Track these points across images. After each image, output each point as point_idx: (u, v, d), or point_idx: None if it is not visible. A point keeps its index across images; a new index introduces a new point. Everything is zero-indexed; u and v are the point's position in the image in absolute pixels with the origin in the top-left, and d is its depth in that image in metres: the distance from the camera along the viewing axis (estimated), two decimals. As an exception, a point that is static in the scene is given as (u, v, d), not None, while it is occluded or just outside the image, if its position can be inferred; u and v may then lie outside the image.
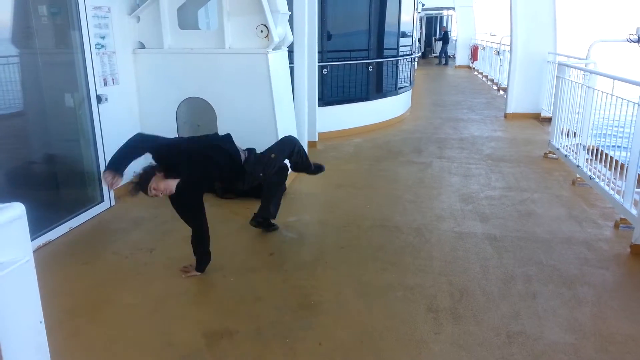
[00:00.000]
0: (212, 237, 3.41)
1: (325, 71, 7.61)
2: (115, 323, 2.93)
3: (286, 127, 5.44)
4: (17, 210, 1.25)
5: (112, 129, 4.73)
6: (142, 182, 3.13)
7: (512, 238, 4.00)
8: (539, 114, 8.97)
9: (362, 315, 2.99)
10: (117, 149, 3.23)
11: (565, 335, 2.76)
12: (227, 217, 4.51)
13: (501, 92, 12.68)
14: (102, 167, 4.62)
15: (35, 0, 4.24)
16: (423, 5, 20.58)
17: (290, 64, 5.81)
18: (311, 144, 6.60)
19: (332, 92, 7.94)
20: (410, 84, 9.91)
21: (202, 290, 3.30)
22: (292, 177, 5.56)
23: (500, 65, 13.35)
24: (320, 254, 3.83)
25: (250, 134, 5.14)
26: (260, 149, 5.23)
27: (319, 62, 6.94)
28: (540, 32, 8.77)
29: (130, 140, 3.31)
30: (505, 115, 9.31)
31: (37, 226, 3.76)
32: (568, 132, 5.95)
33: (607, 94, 4.78)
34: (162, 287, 3.34)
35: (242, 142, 4.97)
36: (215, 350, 2.66)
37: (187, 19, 5.27)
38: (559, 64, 6.41)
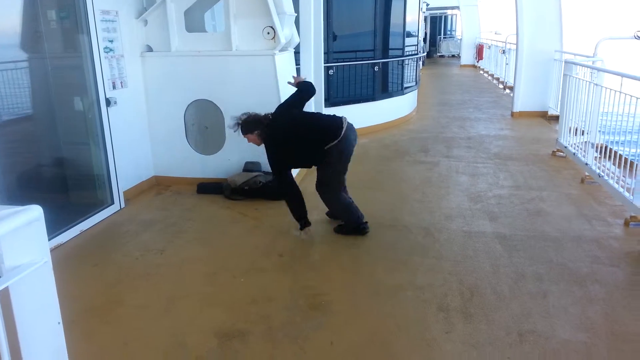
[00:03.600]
0: (223, 238, 3.42)
1: (331, 72, 7.62)
2: (128, 324, 2.95)
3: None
4: (35, 213, 1.27)
5: (121, 131, 4.76)
6: (245, 127, 3.95)
7: (521, 237, 3.99)
8: (546, 112, 8.94)
9: (372, 315, 2.99)
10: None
11: (578, 334, 2.75)
12: (235, 219, 4.53)
13: (507, 90, 12.64)
14: (112, 170, 4.66)
15: (44, 4, 4.27)
16: (427, 5, 20.54)
17: (296, 65, 5.82)
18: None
19: (338, 93, 7.95)
20: (416, 84, 9.90)
21: (213, 291, 3.32)
22: (301, 177, 5.58)
23: (506, 64, 13.31)
24: (330, 255, 3.84)
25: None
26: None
27: (325, 63, 6.94)
28: (546, 30, 8.74)
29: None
30: (512, 114, 9.28)
31: (49, 229, 3.76)
32: (576, 130, 5.93)
33: (615, 91, 4.75)
34: (173, 288, 3.36)
35: (249, 143, 5.00)
36: (227, 351, 2.67)
37: (194, 22, 5.30)
38: (566, 62, 6.38)
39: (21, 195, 4.00)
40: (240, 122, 3.99)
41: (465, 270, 3.47)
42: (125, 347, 2.73)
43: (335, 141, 3.79)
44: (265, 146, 3.94)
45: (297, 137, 3.88)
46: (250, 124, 3.94)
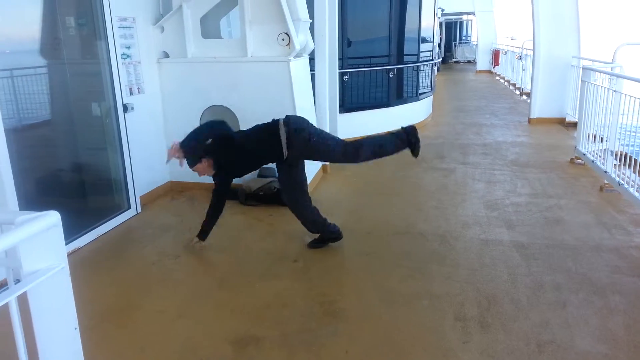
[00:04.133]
0: (237, 244, 3.42)
1: (346, 78, 7.62)
2: (143, 329, 2.96)
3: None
4: (53, 218, 1.27)
5: (138, 137, 4.80)
6: (192, 158, 3.68)
7: (539, 245, 3.93)
8: (564, 119, 8.82)
9: (388, 323, 2.96)
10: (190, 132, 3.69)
11: (598, 345, 2.69)
12: (250, 224, 4.53)
13: (524, 96, 12.52)
14: (129, 175, 4.70)
15: (63, 11, 4.33)
16: (443, 10, 20.48)
17: (311, 71, 5.83)
18: (333, 150, 6.59)
19: (353, 99, 7.94)
20: (431, 90, 9.86)
21: (228, 296, 3.31)
22: (314, 184, 5.57)
23: (523, 70, 13.19)
24: (344, 261, 3.81)
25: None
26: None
27: (339, 69, 6.94)
28: (564, 36, 8.64)
29: (202, 126, 3.92)
30: (529, 120, 9.18)
31: (66, 233, 3.78)
32: (595, 137, 5.84)
33: (635, 98, 4.67)
34: (188, 293, 3.36)
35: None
36: (241, 357, 2.66)
37: (209, 29, 5.34)
38: (584, 68, 6.30)
39: (39, 199, 4.04)
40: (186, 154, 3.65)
41: (483, 279, 3.43)
42: (141, 352, 2.73)
43: (286, 129, 3.61)
44: (218, 170, 3.81)
45: (248, 151, 3.77)
46: (196, 152, 3.68)
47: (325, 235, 3.98)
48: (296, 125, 3.64)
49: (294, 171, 3.80)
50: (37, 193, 4.11)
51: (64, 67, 4.51)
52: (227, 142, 3.73)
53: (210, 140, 3.68)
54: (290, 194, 3.87)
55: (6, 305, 1.16)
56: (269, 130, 3.67)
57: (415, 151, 3.87)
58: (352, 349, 2.71)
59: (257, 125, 3.80)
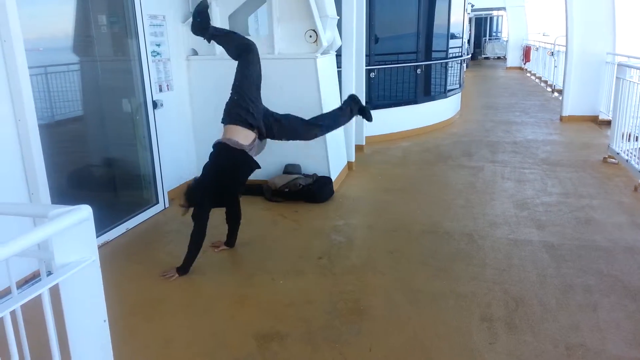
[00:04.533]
0: (262, 240, 3.43)
1: (372, 74, 7.57)
2: (170, 322, 3.01)
3: (334, 130, 5.44)
4: (84, 212, 1.30)
5: (167, 133, 4.87)
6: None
7: (570, 246, 3.84)
8: (597, 117, 8.59)
9: (412, 322, 2.94)
10: None
11: (630, 350, 2.61)
12: (275, 220, 4.55)
13: (556, 94, 12.24)
14: (158, 171, 4.77)
15: (95, 9, 4.42)
16: (473, 6, 20.14)
17: (338, 68, 5.82)
18: (359, 147, 6.58)
19: (379, 96, 7.89)
20: (459, 86, 9.72)
21: (252, 292, 3.34)
22: (339, 181, 5.57)
23: (555, 67, 12.89)
24: (369, 259, 3.80)
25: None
26: (308, 155, 5.27)
27: (366, 66, 6.91)
28: (598, 32, 8.40)
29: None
30: (561, 118, 8.97)
31: (96, 227, 3.89)
32: (629, 135, 5.67)
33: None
34: (213, 287, 3.40)
35: (290, 145, 5.01)
36: (266, 353, 2.68)
37: (238, 26, 5.37)
38: (619, 65, 6.11)
39: (71, 193, 4.15)
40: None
41: (511, 279, 3.37)
42: (167, 345, 2.78)
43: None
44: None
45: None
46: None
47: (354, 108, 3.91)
48: (256, 120, 3.65)
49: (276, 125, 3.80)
50: (68, 187, 4.22)
51: (96, 64, 4.60)
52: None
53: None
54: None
55: (39, 296, 1.20)
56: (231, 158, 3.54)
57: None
58: (376, 347, 2.70)
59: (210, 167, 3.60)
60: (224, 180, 3.56)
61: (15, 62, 3.22)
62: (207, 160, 3.62)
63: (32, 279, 3.41)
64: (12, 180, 3.36)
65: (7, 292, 3.06)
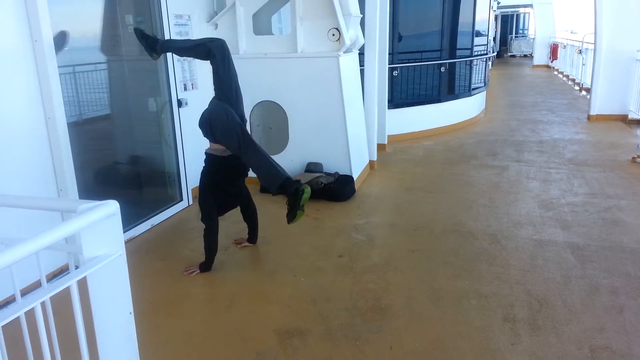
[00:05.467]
0: (284, 238, 3.43)
1: (395, 73, 7.54)
2: (193, 317, 3.06)
3: (356, 129, 5.45)
4: (112, 207, 1.34)
5: (191, 132, 4.93)
6: None
7: (596, 247, 3.76)
8: (627, 116, 8.39)
9: (434, 321, 2.92)
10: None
11: (658, 354, 2.56)
12: (297, 218, 4.57)
13: (584, 92, 11.98)
14: (182, 169, 4.84)
15: (123, 9, 4.51)
16: (499, 3, 19.85)
17: (360, 66, 5.81)
18: (380, 146, 6.56)
19: (402, 94, 7.85)
20: (484, 85, 9.60)
21: (273, 289, 3.37)
22: (361, 180, 5.56)
23: (583, 65, 12.62)
24: (390, 258, 3.79)
25: (321, 136, 5.21)
26: (330, 154, 5.27)
27: (389, 64, 6.88)
28: (628, 28, 8.20)
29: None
30: (589, 117, 8.78)
31: (123, 222, 3.98)
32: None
33: None
34: (236, 284, 3.44)
35: (312, 144, 5.01)
36: (287, 348, 2.70)
37: (261, 25, 5.41)
38: (651, 62, 5.96)
39: (97, 190, 4.24)
40: None
41: (534, 280, 3.32)
42: (190, 340, 2.83)
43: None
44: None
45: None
46: None
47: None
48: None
49: None
50: (95, 184, 4.32)
51: (123, 63, 4.69)
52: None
53: None
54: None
55: (67, 290, 1.24)
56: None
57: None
58: (397, 346, 2.70)
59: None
60: (219, 182, 3.60)
61: (46, 62, 3.31)
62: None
63: (60, 273, 3.51)
64: (42, 176, 3.46)
65: (37, 285, 3.15)
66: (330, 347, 2.71)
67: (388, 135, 6.90)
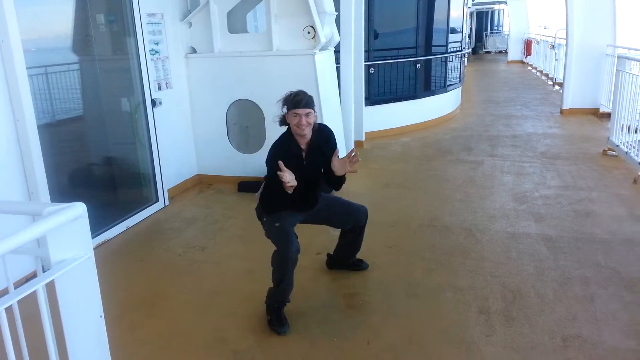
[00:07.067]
0: (261, 236, 3.35)
1: (372, 70, 7.57)
2: (170, 318, 3.04)
3: (333, 126, 5.45)
4: (79, 210, 1.33)
5: (166, 131, 4.90)
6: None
7: (568, 239, 3.85)
8: (597, 110, 8.58)
9: (411, 315, 2.96)
10: None
11: (627, 341, 2.63)
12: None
13: (557, 87, 12.21)
14: (157, 169, 4.80)
15: (94, 9, 4.44)
16: (473, 0, 20.09)
17: (336, 64, 5.82)
18: (358, 143, 6.59)
19: (379, 91, 7.89)
20: (460, 81, 9.71)
21: (251, 288, 3.36)
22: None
23: (556, 60, 12.85)
24: (367, 254, 3.80)
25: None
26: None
27: (365, 62, 6.91)
28: (599, 24, 8.37)
29: None
30: (561, 111, 8.95)
31: (97, 225, 3.95)
32: (629, 127, 5.66)
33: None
34: (214, 283, 3.43)
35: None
36: (264, 347, 2.71)
37: (236, 23, 5.39)
38: (619, 57, 6.10)
39: (71, 192, 4.18)
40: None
41: (508, 272, 3.38)
42: (168, 340, 2.81)
43: None
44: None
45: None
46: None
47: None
48: None
49: None
50: (69, 186, 4.25)
51: (95, 63, 4.63)
52: None
53: None
54: None
55: (37, 294, 1.22)
56: None
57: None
58: (374, 341, 2.72)
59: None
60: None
61: (13, 63, 3.24)
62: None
63: (32, 278, 3.44)
64: (11, 179, 3.39)
65: (5, 292, 3.09)
66: (309, 345, 2.72)
67: (365, 132, 6.94)
